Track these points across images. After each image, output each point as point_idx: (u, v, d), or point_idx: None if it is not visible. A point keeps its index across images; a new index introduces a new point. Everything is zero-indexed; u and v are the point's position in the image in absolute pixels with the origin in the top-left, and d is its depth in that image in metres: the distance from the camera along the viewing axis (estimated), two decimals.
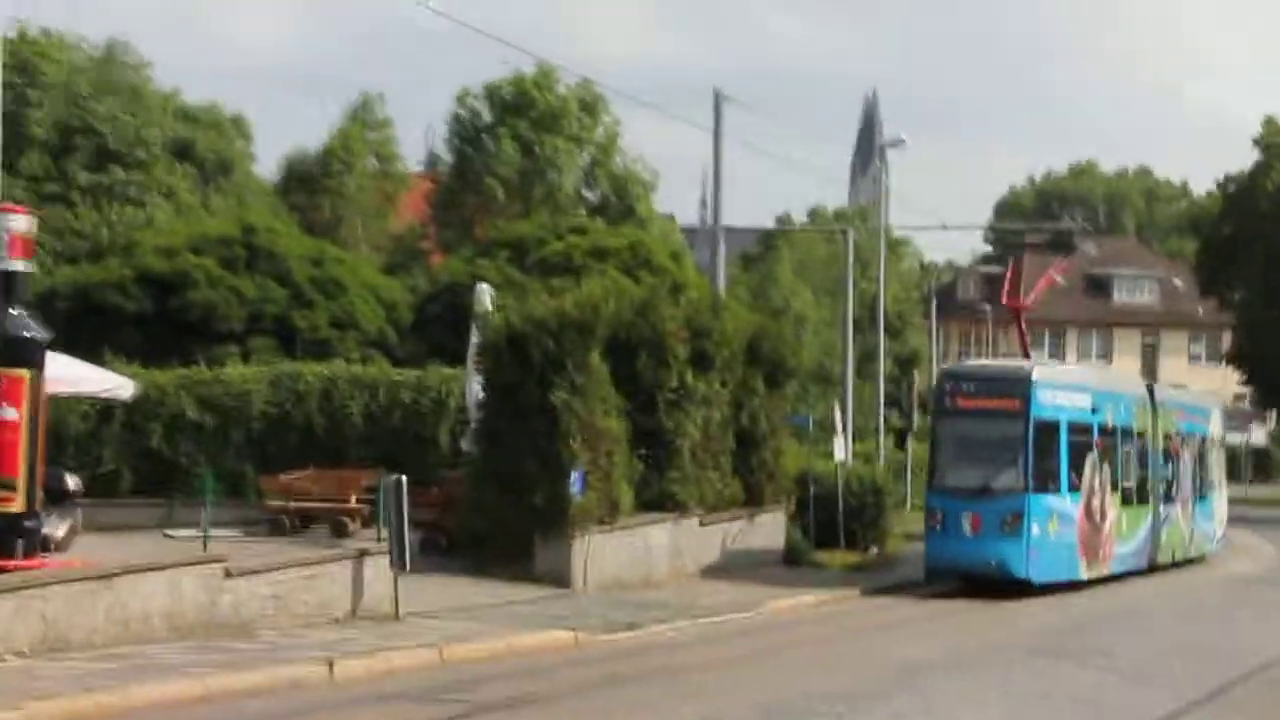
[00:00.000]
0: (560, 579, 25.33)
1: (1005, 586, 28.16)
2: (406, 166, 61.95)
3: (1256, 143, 70.94)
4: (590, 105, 55.96)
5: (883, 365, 50.85)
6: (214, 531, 25.66)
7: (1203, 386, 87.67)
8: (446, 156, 59.38)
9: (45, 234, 42.64)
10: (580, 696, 16.49)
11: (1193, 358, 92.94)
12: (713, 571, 29.75)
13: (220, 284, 36.27)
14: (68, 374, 22.60)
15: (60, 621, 16.74)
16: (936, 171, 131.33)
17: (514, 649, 19.43)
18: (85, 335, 32.05)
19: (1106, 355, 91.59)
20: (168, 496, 31.01)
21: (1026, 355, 34.85)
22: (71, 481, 23.60)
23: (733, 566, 30.31)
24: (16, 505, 18.30)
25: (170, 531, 28.38)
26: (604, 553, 26.15)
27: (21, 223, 18.81)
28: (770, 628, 24.42)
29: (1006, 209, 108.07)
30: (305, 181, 56.74)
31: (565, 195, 55.23)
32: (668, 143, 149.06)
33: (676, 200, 49.64)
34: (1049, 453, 29.14)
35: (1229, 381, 76.29)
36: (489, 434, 26.45)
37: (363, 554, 21.23)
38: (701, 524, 29.76)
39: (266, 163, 63.75)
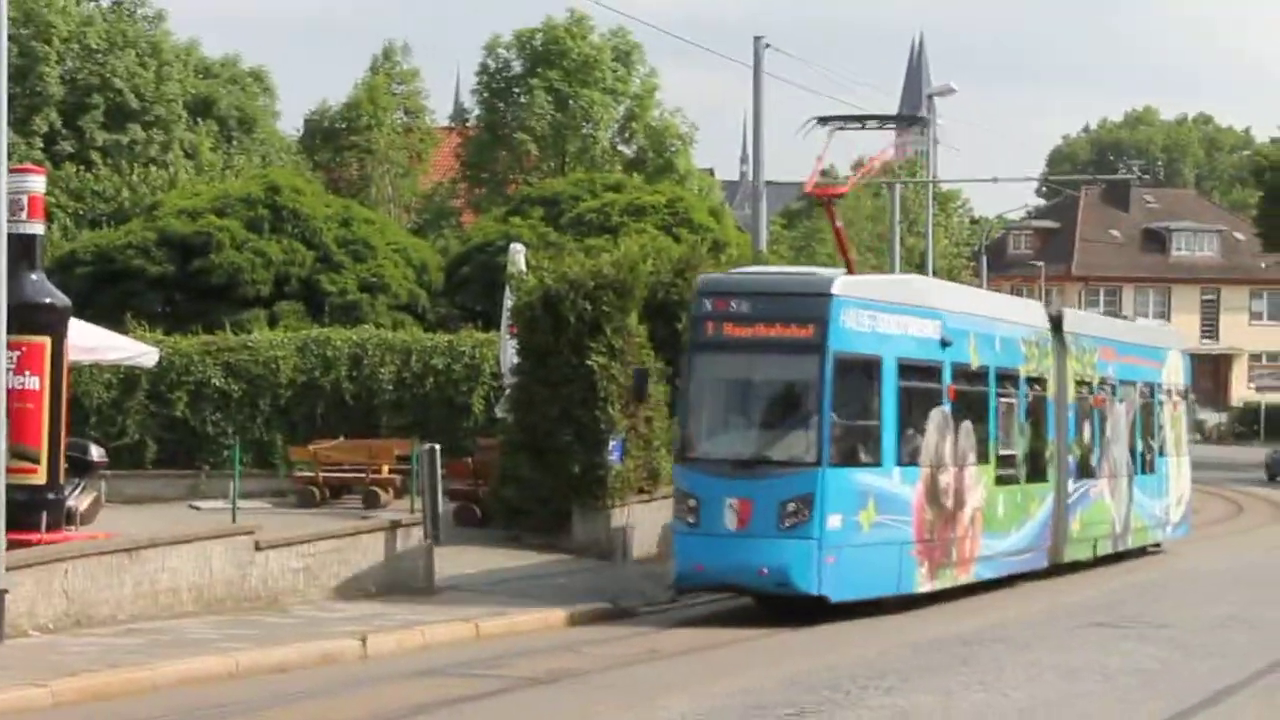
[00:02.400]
0: (599, 550, 25.41)
1: (800, 605, 20.20)
2: (435, 121, 62.76)
3: None
4: (626, 55, 56.81)
5: None
6: (242, 503, 26.11)
7: (1265, 347, 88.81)
8: (476, 110, 60.34)
9: (64, 196, 43.35)
10: (619, 672, 16.64)
11: (1254, 315, 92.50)
12: None
13: (245, 246, 36.75)
14: (89, 341, 22.97)
15: (85, 596, 17.04)
16: (987, 121, 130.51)
17: (550, 623, 19.68)
18: (107, 301, 32.69)
19: (1164, 313, 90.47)
20: (194, 467, 31.56)
21: (849, 266, 23.95)
22: (95, 452, 23.87)
23: None
24: (39, 477, 18.67)
25: (197, 503, 28.93)
26: (644, 523, 26.11)
27: (38, 183, 19.13)
28: None
29: (1060, 159, 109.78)
30: (330, 138, 57.67)
31: (601, 150, 56.04)
32: (707, 94, 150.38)
33: (716, 154, 50.32)
34: (863, 405, 20.81)
35: None
36: (523, 400, 26.51)
37: (395, 525, 21.59)
38: None
39: (290, 119, 64.59)
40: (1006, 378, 24.92)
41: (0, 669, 14.42)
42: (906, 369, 21.31)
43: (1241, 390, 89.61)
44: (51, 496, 19.12)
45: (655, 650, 18.17)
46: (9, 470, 16.49)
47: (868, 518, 20.37)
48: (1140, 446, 31.07)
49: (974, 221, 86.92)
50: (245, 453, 29.78)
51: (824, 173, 30.47)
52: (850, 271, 23.12)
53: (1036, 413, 26.16)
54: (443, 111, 65.59)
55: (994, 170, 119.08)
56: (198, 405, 32.29)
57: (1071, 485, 27.15)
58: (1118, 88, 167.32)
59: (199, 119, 52.19)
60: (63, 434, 19.52)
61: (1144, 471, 31.13)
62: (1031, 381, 25.92)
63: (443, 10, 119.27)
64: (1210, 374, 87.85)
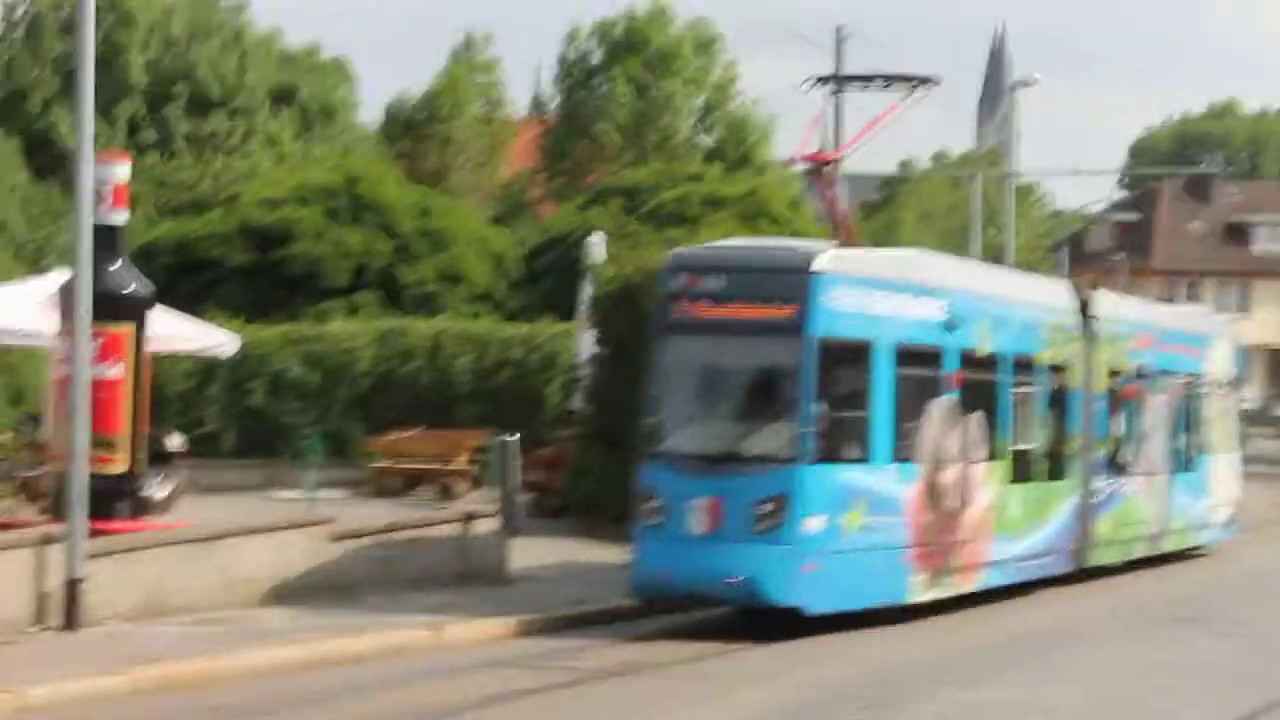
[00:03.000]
0: None
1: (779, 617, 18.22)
2: (515, 111, 63.71)
3: None
4: (706, 44, 58.83)
5: None
6: (319, 493, 26.45)
7: None
8: (555, 100, 61.15)
9: (146, 185, 44.10)
10: (691, 666, 16.72)
11: None
12: None
13: (325, 236, 37.20)
14: (169, 330, 23.28)
15: (163, 584, 17.31)
16: (1069, 112, 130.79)
17: (622, 615, 19.72)
18: (187, 290, 33.15)
19: (1246, 308, 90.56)
20: (272, 457, 31.97)
21: (846, 234, 21.85)
22: (175, 441, 24.20)
23: None
24: (120, 466, 18.96)
25: (275, 493, 29.30)
26: None
27: (123, 172, 19.44)
28: None
29: (1143, 152, 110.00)
30: (410, 128, 58.36)
31: (680, 140, 57.81)
32: (786, 84, 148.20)
33: (796, 145, 51.65)
34: (851, 395, 18.68)
35: None
36: (600, 392, 26.52)
37: (471, 516, 21.72)
38: None
39: (371, 108, 65.34)
40: (1025, 365, 22.53)
41: (78, 656, 14.67)
42: (904, 355, 19.15)
43: None
44: (132, 485, 19.41)
45: (726, 647, 18.03)
46: (90, 459, 16.80)
47: (854, 520, 18.22)
48: (1181, 442, 28.79)
49: (1054, 214, 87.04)
50: (323, 443, 30.14)
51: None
52: (845, 236, 21.49)
53: (1060, 404, 23.83)
54: (522, 101, 66.01)
55: (1075, 162, 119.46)
56: (276, 395, 32.82)
57: (1101, 483, 25.03)
58: (1202, 80, 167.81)
59: (280, 108, 53.02)
60: (143, 423, 19.81)
61: (1184, 469, 28.96)
62: (1055, 370, 23.53)
63: (523, 1, 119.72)
64: None
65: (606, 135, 56.92)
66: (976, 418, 20.72)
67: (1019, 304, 22.72)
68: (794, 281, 17.63)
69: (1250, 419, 57.75)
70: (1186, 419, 29.02)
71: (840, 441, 18.02)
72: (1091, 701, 15.42)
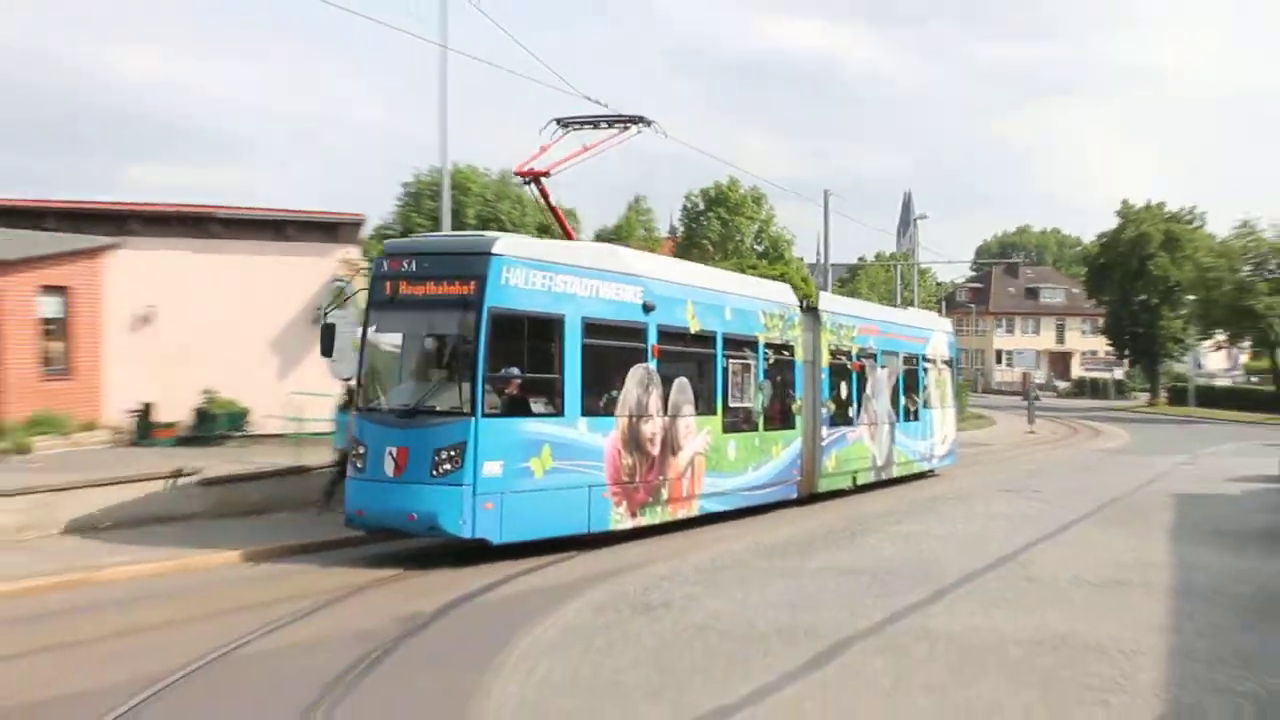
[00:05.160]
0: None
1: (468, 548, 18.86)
2: (660, 234, 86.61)
3: (1119, 213, 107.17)
4: (758, 199, 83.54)
5: None
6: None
7: (1090, 348, 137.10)
8: (680, 229, 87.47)
9: None
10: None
11: (1083, 331, 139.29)
12: None
13: None
14: None
15: None
16: (945, 229, 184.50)
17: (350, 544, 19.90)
18: None
19: (1036, 330, 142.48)
20: None
21: (567, 233, 24.90)
22: None
23: None
24: None
25: None
26: None
27: None
28: None
29: (984, 250, 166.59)
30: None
31: (745, 248, 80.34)
32: (801, 218, 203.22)
33: (805, 247, 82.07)
34: (541, 360, 19.55)
35: (1101, 343, 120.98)
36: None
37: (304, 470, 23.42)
38: None
39: (583, 236, 73.62)
40: (741, 342, 25.02)
41: None
42: (597, 328, 20.42)
43: (1078, 371, 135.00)
44: None
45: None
46: None
47: (541, 464, 19.14)
48: (904, 401, 33.61)
49: (939, 284, 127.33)
50: None
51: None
52: (569, 238, 24.29)
53: (783, 372, 26.83)
54: (664, 229, 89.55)
55: (949, 255, 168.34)
56: None
57: (825, 431, 28.44)
58: (1014, 212, 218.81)
59: None
60: None
61: (907, 420, 33.94)
62: (776, 347, 26.39)
63: (664, 179, 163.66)
64: (1061, 362, 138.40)
65: (706, 247, 78.11)
66: (682, 381, 22.72)
67: (733, 296, 25.25)
68: (473, 262, 18.68)
69: (1039, 389, 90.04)
70: (909, 385, 34.30)
71: (525, 399, 19.14)
72: (960, 531, 23.05)
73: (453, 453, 18.30)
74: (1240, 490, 32.66)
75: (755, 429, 25.63)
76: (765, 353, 26.01)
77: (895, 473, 33.20)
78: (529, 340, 19.26)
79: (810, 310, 28.73)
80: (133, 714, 10.53)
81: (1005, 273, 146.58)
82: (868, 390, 31.15)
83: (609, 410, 20.81)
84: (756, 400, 25.60)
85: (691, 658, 12.51)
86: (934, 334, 37.55)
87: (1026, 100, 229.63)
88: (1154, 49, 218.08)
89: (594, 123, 23.65)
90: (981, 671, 11.91)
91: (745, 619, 14.41)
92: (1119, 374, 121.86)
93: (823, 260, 64.66)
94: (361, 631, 13.69)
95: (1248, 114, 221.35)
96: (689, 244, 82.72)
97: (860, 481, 30.67)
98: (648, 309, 21.75)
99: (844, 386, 29.78)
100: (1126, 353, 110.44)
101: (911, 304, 74.18)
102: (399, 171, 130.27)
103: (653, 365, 21.85)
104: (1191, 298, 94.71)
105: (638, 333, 21.61)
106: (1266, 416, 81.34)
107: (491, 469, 18.46)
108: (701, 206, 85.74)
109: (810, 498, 27.92)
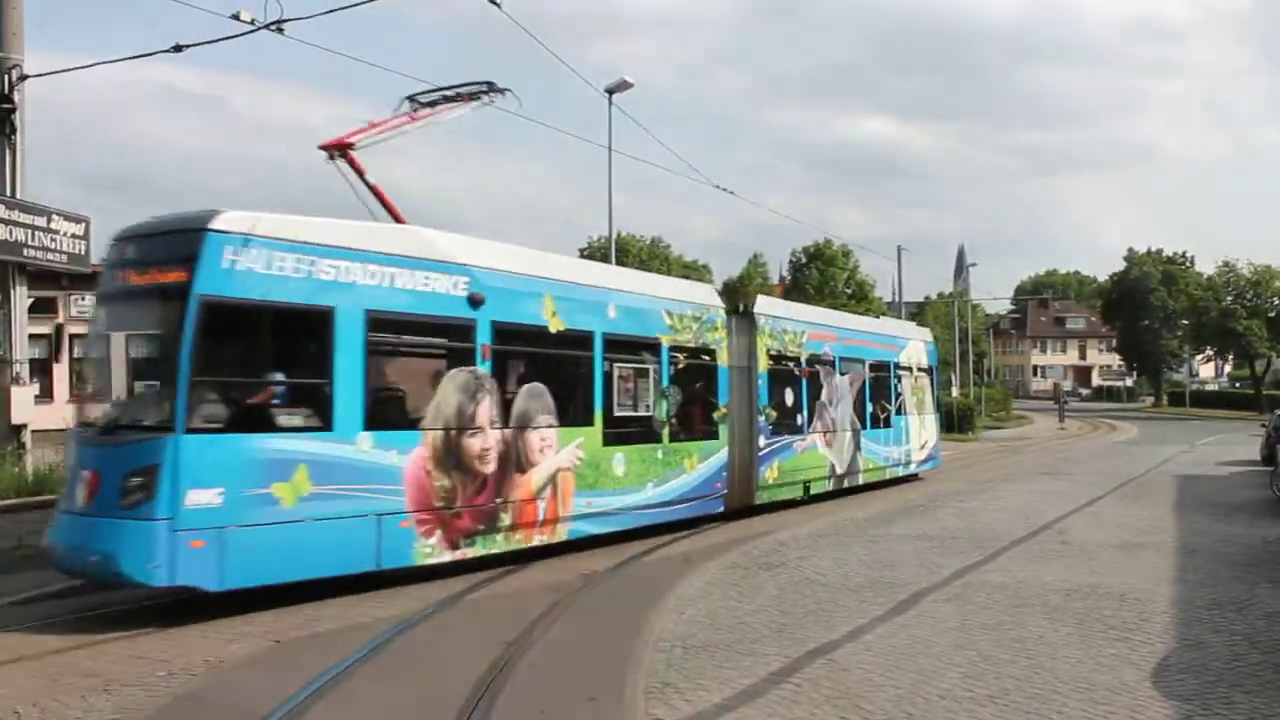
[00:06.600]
0: None
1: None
2: (773, 283, 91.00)
3: (1125, 258, 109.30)
4: (847, 252, 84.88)
5: (970, 356, 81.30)
6: None
7: (1106, 362, 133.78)
8: (788, 278, 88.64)
9: None
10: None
11: (1102, 350, 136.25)
12: None
13: None
14: None
15: None
16: (990, 272, 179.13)
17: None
18: None
19: (1044, 350, 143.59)
20: None
21: (395, 217, 15.20)
22: None
23: None
24: None
25: None
26: None
27: None
28: None
29: (1021, 288, 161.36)
30: (730, 293, 65.01)
31: (839, 291, 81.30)
32: (879, 267, 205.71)
33: (883, 289, 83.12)
34: (296, 361, 12.50)
35: (1114, 359, 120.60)
36: None
37: None
38: None
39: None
40: (634, 345, 17.63)
41: None
42: (392, 323, 13.23)
43: (1097, 380, 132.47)
44: None
45: None
46: None
47: (293, 490, 11.92)
48: (872, 408, 26.38)
49: (987, 315, 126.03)
50: None
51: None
52: (398, 221, 15.01)
53: (700, 379, 19.44)
54: (775, 279, 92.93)
55: (993, 291, 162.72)
56: None
57: (765, 440, 21.24)
58: (1043, 256, 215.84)
59: None
60: None
61: (876, 426, 26.60)
62: (689, 351, 19.00)
63: (774, 240, 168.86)
64: (1084, 374, 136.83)
65: (808, 291, 77.26)
66: (535, 388, 15.38)
67: (621, 294, 17.50)
68: (183, 242, 11.69)
69: (1067, 395, 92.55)
70: (879, 392, 26.90)
71: (276, 410, 12.11)
72: (1010, 505, 22.41)
73: (144, 478, 11.26)
74: (1228, 472, 31.98)
75: (656, 440, 18.18)
76: (672, 357, 18.59)
77: (861, 480, 25.61)
78: (281, 339, 12.48)
79: (745, 314, 21.70)
80: None
81: (1038, 305, 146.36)
82: (823, 397, 23.98)
83: (412, 422, 13.60)
84: (660, 409, 18.28)
85: (803, 604, 12.43)
86: (909, 342, 30.07)
87: (1044, 172, 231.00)
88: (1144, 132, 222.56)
89: (446, 96, 16.33)
90: (1029, 614, 11.72)
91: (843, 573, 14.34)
92: (1129, 383, 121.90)
93: (897, 299, 65.16)
94: (552, 584, 13.80)
95: (1226, 179, 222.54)
96: (794, 289, 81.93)
97: (815, 490, 23.31)
98: (475, 303, 14.45)
99: (790, 393, 22.73)
100: (1135, 366, 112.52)
101: (968, 332, 75.49)
102: (577, 239, 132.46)
103: (484, 369, 14.55)
104: (1185, 322, 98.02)
105: (460, 330, 14.32)
106: (1247, 414, 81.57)
107: (201, 498, 11.39)
108: (804, 260, 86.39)
109: (746, 510, 20.72)
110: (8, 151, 19.55)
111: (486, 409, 14.55)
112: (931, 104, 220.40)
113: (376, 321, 13.02)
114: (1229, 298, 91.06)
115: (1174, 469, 33.14)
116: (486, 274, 14.71)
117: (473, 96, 16.23)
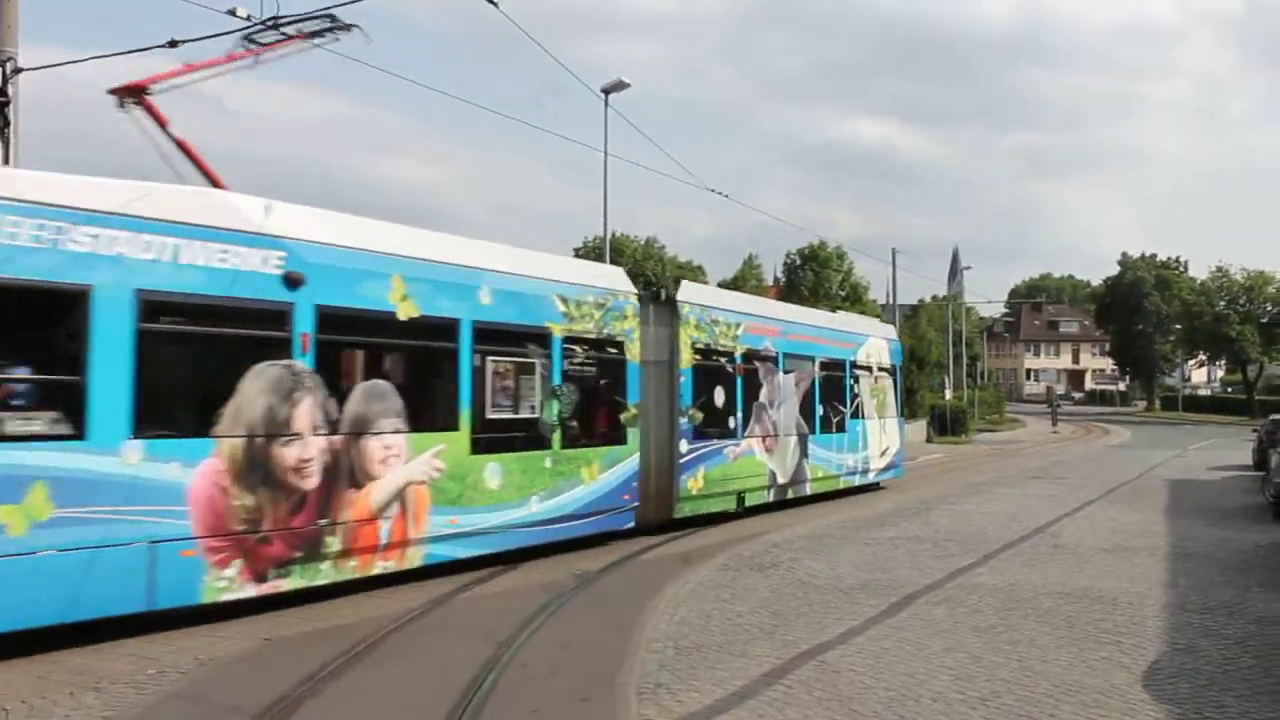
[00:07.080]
0: None
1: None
2: (767, 284, 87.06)
3: (1119, 262, 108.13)
4: (841, 254, 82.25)
5: (963, 359, 79.76)
6: None
7: (1100, 366, 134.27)
8: (783, 279, 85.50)
9: None
10: None
11: (1093, 354, 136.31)
12: None
13: None
14: None
15: None
16: (984, 275, 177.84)
17: None
18: None
19: (1056, 354, 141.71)
20: None
21: (213, 181, 12.80)
22: None
23: None
24: None
25: None
26: None
27: None
28: None
29: (1015, 292, 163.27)
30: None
31: (834, 293, 78.95)
32: (874, 269, 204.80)
33: (878, 292, 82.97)
34: (28, 351, 9.86)
35: (1107, 363, 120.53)
36: None
37: None
38: None
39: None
40: (515, 335, 14.96)
41: None
42: (175, 307, 10.79)
43: (1090, 384, 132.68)
44: None
45: None
46: None
47: (25, 514, 9.55)
48: (823, 410, 23.76)
49: (981, 318, 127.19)
50: None
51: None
52: (216, 186, 12.63)
53: (605, 375, 16.78)
54: (769, 280, 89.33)
55: (988, 294, 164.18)
56: None
57: (687, 446, 18.60)
58: (1036, 261, 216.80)
59: None
60: None
61: (828, 431, 23.97)
62: (590, 343, 16.37)
63: (770, 241, 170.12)
64: (1077, 378, 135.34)
65: (803, 292, 75.16)
66: (377, 386, 12.85)
67: (497, 275, 14.72)
68: None
69: (1060, 399, 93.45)
70: (831, 394, 24.36)
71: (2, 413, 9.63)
72: (1000, 509, 22.33)
73: None
74: (1219, 477, 32.05)
75: (545, 447, 15.54)
76: (566, 350, 15.96)
77: (809, 490, 23.18)
78: (17, 326, 9.88)
79: (665, 302, 18.91)
80: None
81: (1032, 309, 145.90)
82: (762, 397, 21.32)
83: (201, 429, 11.10)
84: (549, 410, 15.63)
85: (795, 605, 12.42)
86: (868, 339, 26.87)
87: (1039, 175, 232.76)
88: (1138, 136, 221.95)
89: (285, 35, 14.06)
90: (1021, 617, 11.71)
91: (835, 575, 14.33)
92: (1122, 387, 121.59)
93: (892, 302, 64.49)
94: (544, 584, 13.80)
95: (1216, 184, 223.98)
96: (789, 290, 79.74)
97: (751, 502, 20.83)
98: (293, 283, 11.87)
99: (721, 393, 19.97)
100: (1128, 370, 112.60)
101: (961, 334, 75.39)
102: (572, 239, 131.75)
103: (304, 363, 11.98)
104: (1178, 327, 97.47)
105: (271, 316, 11.75)
106: (1238, 419, 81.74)
107: None
108: (798, 262, 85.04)
109: (668, 524, 18.49)
110: (0, 145, 19.43)
111: (306, 411, 11.98)
112: (927, 107, 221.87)
113: (151, 305, 10.57)
114: (1222, 303, 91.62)
115: (1166, 473, 33.21)
116: (309, 248, 12.10)
117: (315, 34, 14.05)
